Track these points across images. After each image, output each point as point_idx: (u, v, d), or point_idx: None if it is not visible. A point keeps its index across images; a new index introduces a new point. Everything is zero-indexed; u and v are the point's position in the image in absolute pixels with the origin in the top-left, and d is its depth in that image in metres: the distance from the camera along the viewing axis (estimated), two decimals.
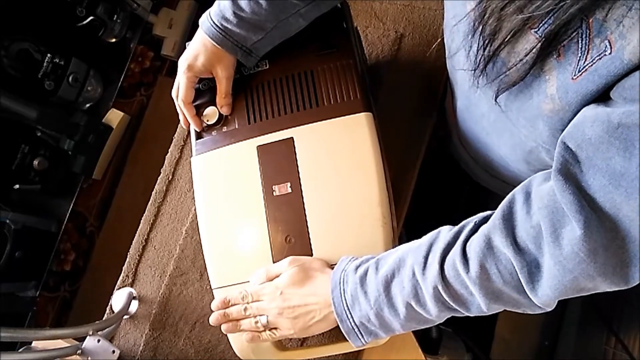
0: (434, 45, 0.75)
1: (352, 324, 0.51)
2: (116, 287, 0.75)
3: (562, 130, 0.41)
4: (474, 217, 0.47)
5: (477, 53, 0.43)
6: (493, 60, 0.43)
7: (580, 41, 0.36)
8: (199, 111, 0.65)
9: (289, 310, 0.53)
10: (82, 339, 0.65)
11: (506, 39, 0.40)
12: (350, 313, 0.50)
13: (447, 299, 0.45)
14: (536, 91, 0.41)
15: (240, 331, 0.57)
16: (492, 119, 0.52)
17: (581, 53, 0.36)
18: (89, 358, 0.64)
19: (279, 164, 0.59)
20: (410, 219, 0.72)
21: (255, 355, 0.59)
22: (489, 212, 0.46)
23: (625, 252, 0.37)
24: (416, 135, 0.72)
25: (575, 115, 0.39)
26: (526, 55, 0.40)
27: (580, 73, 0.37)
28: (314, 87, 0.61)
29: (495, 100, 0.45)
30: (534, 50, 0.39)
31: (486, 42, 0.42)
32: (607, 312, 1.22)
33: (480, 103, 0.53)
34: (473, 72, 0.45)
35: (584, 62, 0.36)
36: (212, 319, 0.57)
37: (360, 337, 0.51)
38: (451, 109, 0.66)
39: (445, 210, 0.97)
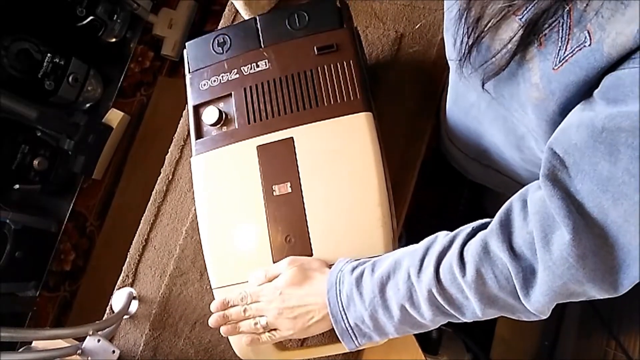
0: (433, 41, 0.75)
1: (347, 325, 0.51)
2: (116, 287, 0.75)
3: (548, 121, 0.41)
4: (472, 223, 0.47)
5: (462, 40, 0.43)
6: (477, 47, 0.42)
7: (560, 30, 0.36)
8: (198, 111, 0.65)
9: (288, 311, 0.53)
10: (82, 339, 0.65)
11: (488, 25, 0.40)
12: (345, 314, 0.50)
13: (441, 302, 0.45)
14: (522, 79, 0.41)
15: (240, 333, 0.56)
16: (483, 107, 0.52)
17: (561, 43, 0.36)
18: (89, 358, 0.64)
19: (279, 164, 0.59)
20: (410, 219, 0.72)
21: (256, 355, 0.59)
22: (486, 220, 0.46)
23: (614, 259, 0.37)
24: (416, 135, 0.72)
25: (559, 105, 0.39)
26: (509, 42, 0.39)
27: (561, 63, 0.37)
28: (313, 87, 0.61)
29: (483, 88, 0.45)
30: (517, 36, 0.39)
31: (470, 29, 0.42)
32: (607, 313, 1.22)
33: (468, 93, 0.53)
34: (459, 61, 0.45)
35: (564, 52, 0.36)
36: (212, 321, 0.57)
37: (353, 339, 0.51)
38: (444, 106, 0.66)
39: (445, 210, 0.97)
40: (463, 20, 0.42)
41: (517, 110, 0.45)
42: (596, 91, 0.36)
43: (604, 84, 0.35)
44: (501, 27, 0.40)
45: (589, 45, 0.34)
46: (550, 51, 0.37)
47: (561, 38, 0.36)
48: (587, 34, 0.34)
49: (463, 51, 0.43)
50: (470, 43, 0.42)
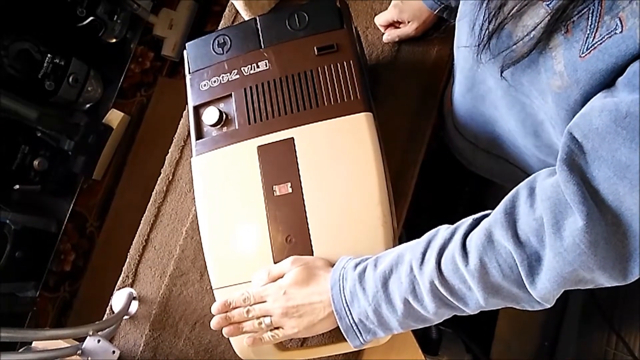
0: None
1: (351, 321, 0.51)
2: (116, 287, 0.75)
3: (567, 110, 0.40)
4: (472, 215, 0.47)
5: (482, 26, 0.42)
6: (497, 34, 0.42)
7: (590, 17, 0.36)
8: (198, 112, 0.65)
9: (293, 310, 0.53)
10: (82, 339, 0.65)
11: (512, 11, 0.39)
12: (349, 310, 0.50)
13: (444, 293, 0.45)
14: (543, 67, 0.41)
15: (243, 334, 0.56)
16: (500, 94, 0.51)
17: (590, 30, 0.36)
18: (89, 358, 0.64)
19: (280, 164, 0.59)
20: (410, 219, 0.72)
21: (256, 356, 0.59)
22: (487, 211, 0.46)
23: (626, 247, 0.37)
24: (416, 135, 0.72)
25: (582, 94, 0.39)
26: (534, 29, 0.39)
27: (588, 51, 0.36)
28: (314, 87, 0.61)
29: (501, 76, 0.45)
30: (543, 23, 0.38)
31: (492, 15, 0.41)
32: (608, 312, 1.22)
33: (485, 80, 0.52)
34: (477, 47, 0.44)
35: (592, 40, 0.36)
36: (213, 323, 0.56)
37: (358, 335, 0.51)
38: (449, 96, 0.66)
39: (446, 210, 0.97)
40: (484, 5, 0.41)
41: (537, 98, 0.45)
42: (620, 79, 0.35)
43: (629, 71, 0.35)
44: (526, 14, 0.39)
45: (620, 32, 0.34)
46: (577, 39, 0.37)
47: (590, 25, 0.36)
48: (618, 21, 0.34)
49: (482, 38, 0.43)
50: (491, 30, 0.42)
